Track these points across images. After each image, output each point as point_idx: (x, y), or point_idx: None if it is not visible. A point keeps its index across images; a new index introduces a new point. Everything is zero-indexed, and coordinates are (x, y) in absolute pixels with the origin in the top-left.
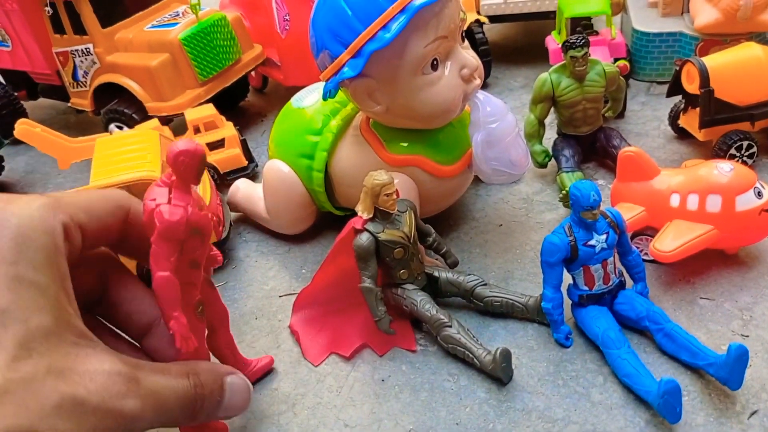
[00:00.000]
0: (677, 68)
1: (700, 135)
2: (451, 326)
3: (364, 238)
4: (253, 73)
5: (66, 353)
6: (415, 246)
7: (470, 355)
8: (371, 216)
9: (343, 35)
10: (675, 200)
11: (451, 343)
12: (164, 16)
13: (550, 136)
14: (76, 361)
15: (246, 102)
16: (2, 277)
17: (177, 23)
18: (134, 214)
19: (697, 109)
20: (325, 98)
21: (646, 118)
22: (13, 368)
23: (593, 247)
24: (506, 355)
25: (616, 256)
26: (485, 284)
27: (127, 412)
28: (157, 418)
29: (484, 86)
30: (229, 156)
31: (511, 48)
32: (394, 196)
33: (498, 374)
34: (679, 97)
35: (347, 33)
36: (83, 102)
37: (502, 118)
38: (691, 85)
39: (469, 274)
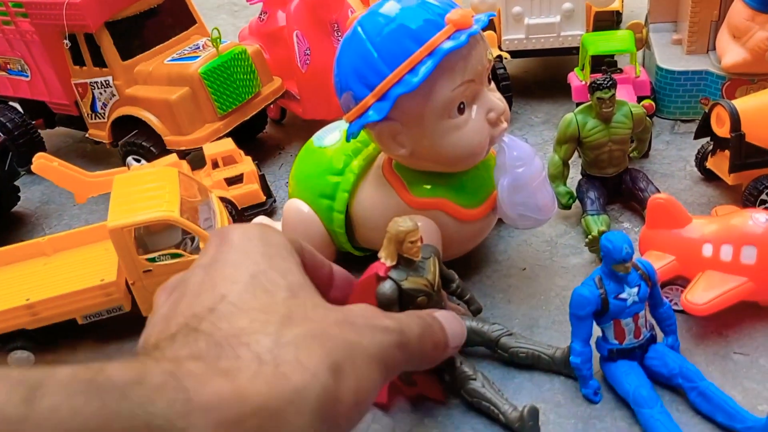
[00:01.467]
0: (706, 111)
1: (729, 179)
2: (475, 379)
3: (387, 287)
4: (271, 104)
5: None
6: (438, 293)
7: (495, 411)
8: (394, 263)
9: (368, 78)
10: (708, 250)
11: (475, 397)
12: (184, 48)
13: (574, 174)
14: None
15: (264, 134)
16: (260, 255)
17: (197, 56)
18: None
19: (726, 151)
20: (348, 140)
21: (672, 158)
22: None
23: (625, 300)
24: (534, 414)
25: (648, 309)
26: (510, 334)
27: (390, 326)
28: (410, 342)
29: None
30: (247, 192)
31: (531, 82)
32: (419, 243)
33: None
34: (706, 138)
35: (373, 76)
36: (101, 133)
37: (529, 162)
38: (721, 129)
39: (494, 323)
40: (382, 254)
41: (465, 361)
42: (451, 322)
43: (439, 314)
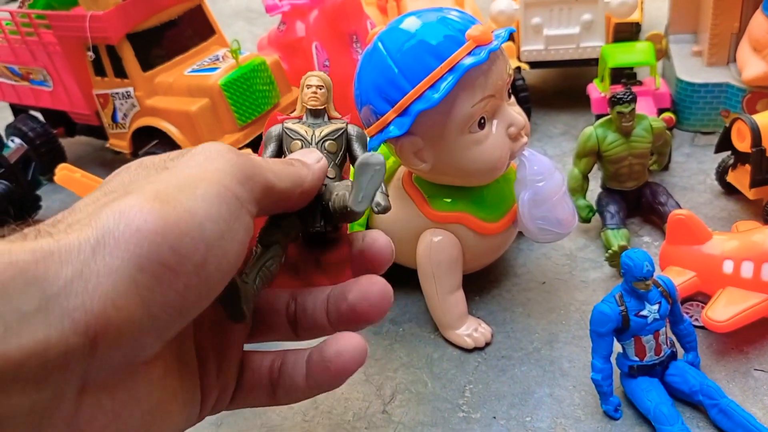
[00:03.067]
0: (727, 125)
1: (750, 194)
2: None
3: (273, 127)
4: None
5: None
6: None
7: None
8: (300, 115)
9: (389, 93)
10: (728, 267)
11: None
12: (204, 60)
13: (593, 188)
14: None
15: None
16: None
17: (217, 68)
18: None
19: (747, 166)
20: None
21: (692, 171)
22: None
23: (645, 317)
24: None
25: (668, 326)
26: None
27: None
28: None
29: None
30: None
31: (550, 92)
32: (316, 92)
33: None
34: (727, 152)
35: (394, 92)
36: (121, 143)
37: (549, 176)
38: (742, 144)
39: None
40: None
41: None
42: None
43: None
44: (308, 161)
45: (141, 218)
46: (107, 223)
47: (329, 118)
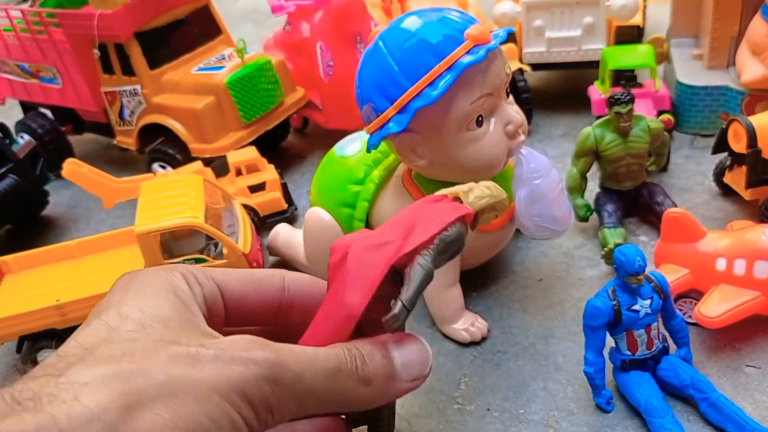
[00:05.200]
0: (723, 126)
1: (746, 194)
2: None
3: (460, 231)
4: (294, 114)
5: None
6: None
7: None
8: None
9: (389, 91)
10: (721, 264)
11: None
12: (210, 58)
13: (592, 187)
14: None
15: (286, 143)
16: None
17: (223, 67)
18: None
19: (744, 167)
20: (369, 151)
21: (690, 173)
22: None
23: (637, 312)
24: None
25: (660, 321)
26: None
27: (258, 357)
28: (292, 375)
29: None
30: (269, 199)
31: (552, 94)
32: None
33: None
34: (724, 153)
35: (393, 89)
36: (128, 140)
37: (546, 174)
38: (738, 144)
39: None
40: (467, 195)
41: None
42: (406, 349)
43: (382, 341)
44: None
45: None
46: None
47: None
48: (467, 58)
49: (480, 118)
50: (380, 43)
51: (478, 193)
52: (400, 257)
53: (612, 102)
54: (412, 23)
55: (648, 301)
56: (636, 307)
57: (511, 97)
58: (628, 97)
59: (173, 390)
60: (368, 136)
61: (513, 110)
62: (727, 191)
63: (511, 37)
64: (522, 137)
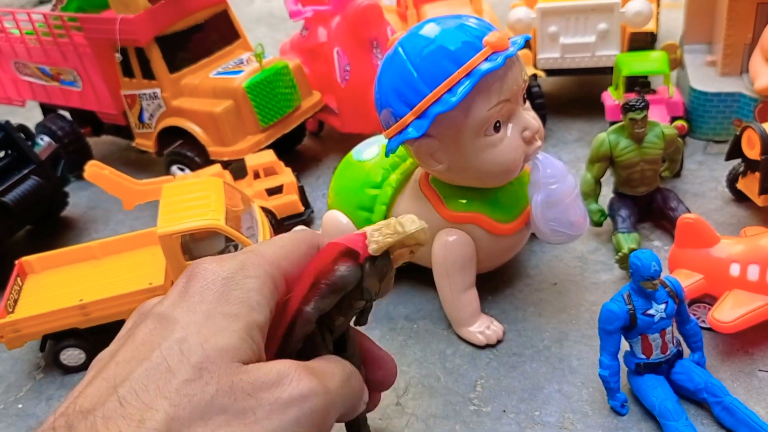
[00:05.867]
0: (737, 132)
1: (759, 200)
2: None
3: (351, 271)
4: (311, 117)
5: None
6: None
7: None
8: (376, 255)
9: (408, 96)
10: (735, 270)
11: None
12: (229, 63)
13: (606, 193)
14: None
15: (302, 146)
16: (199, 314)
17: (241, 71)
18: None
19: (757, 173)
20: (387, 155)
21: (703, 179)
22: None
23: (652, 316)
24: None
25: (674, 325)
26: None
27: (312, 390)
28: (331, 395)
29: None
30: (286, 202)
31: (565, 99)
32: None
33: None
34: (738, 159)
35: (413, 95)
36: (147, 143)
37: (562, 179)
38: (752, 151)
39: None
40: (373, 234)
41: None
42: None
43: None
44: None
45: None
46: None
47: None
48: (486, 65)
49: (497, 124)
50: (400, 49)
51: (386, 231)
52: (293, 313)
53: (627, 108)
54: (431, 30)
55: (663, 306)
56: (651, 311)
57: (527, 103)
58: (643, 104)
59: None
60: (387, 140)
61: (530, 116)
62: (740, 197)
63: (526, 43)
64: (539, 143)
